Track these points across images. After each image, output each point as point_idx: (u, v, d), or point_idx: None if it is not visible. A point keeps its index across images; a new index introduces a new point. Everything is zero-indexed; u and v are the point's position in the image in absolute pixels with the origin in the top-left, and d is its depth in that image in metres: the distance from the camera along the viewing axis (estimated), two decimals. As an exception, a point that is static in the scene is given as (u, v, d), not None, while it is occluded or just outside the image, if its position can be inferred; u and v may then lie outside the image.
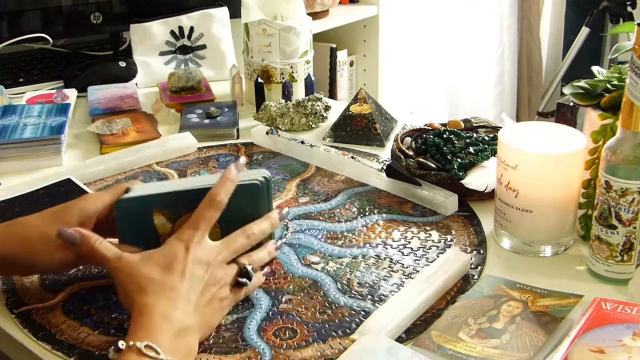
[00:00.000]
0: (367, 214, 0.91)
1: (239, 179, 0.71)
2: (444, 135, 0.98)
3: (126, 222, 0.71)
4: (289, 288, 0.76)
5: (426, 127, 1.04)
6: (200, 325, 0.65)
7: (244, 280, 0.70)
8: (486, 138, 0.97)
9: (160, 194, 0.71)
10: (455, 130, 1.00)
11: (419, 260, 0.80)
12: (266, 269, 0.75)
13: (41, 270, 0.76)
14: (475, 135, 0.99)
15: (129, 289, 0.65)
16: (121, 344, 0.59)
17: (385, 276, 0.77)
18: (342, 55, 2.16)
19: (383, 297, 0.74)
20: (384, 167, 0.96)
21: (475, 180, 0.90)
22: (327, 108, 1.20)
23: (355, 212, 0.91)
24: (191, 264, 0.66)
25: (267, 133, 1.11)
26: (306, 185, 0.99)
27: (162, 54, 1.46)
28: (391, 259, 0.81)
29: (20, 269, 0.74)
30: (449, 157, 0.93)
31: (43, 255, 0.70)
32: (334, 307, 0.72)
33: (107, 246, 0.68)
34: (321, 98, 1.21)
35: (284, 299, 0.74)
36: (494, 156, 0.91)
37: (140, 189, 0.73)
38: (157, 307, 0.62)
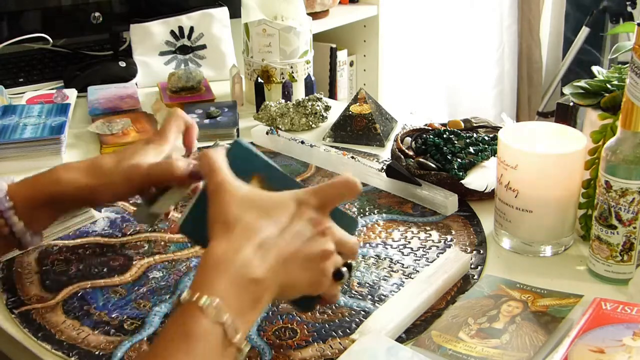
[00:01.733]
0: (367, 214, 0.91)
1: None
2: (444, 135, 0.98)
3: (230, 163, 0.64)
4: (289, 288, 0.76)
5: (426, 127, 1.04)
6: (280, 281, 0.59)
7: (345, 269, 0.62)
8: (486, 138, 0.97)
9: (271, 164, 0.67)
10: (455, 130, 1.00)
11: (419, 260, 0.80)
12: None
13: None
14: (475, 135, 0.99)
15: (215, 219, 0.60)
16: (182, 297, 0.55)
17: (385, 276, 0.77)
18: (342, 55, 2.16)
19: (383, 297, 0.74)
20: (384, 167, 0.96)
21: (475, 180, 0.90)
22: (327, 108, 1.20)
23: (355, 212, 0.91)
24: (297, 219, 0.60)
25: (267, 133, 1.11)
26: (306, 185, 0.99)
27: (162, 54, 1.46)
28: (391, 259, 0.81)
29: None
30: (449, 157, 0.93)
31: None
32: (334, 307, 0.72)
33: (221, 162, 0.63)
34: (321, 98, 1.21)
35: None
36: (494, 156, 0.91)
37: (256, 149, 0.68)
38: (228, 252, 0.57)
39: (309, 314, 0.71)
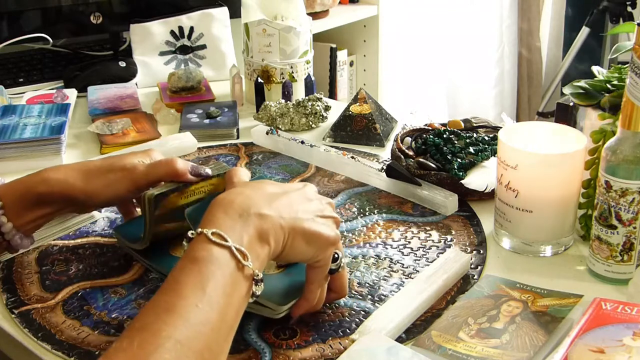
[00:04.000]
0: (367, 214, 0.91)
1: None
2: (444, 135, 0.98)
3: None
4: (289, 288, 0.76)
5: (426, 127, 1.04)
6: (289, 220, 0.62)
7: (337, 262, 0.67)
8: (486, 138, 0.97)
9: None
10: (455, 130, 1.00)
11: (419, 260, 0.80)
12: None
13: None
14: (475, 135, 0.99)
15: (217, 200, 0.64)
16: (191, 233, 0.58)
17: (385, 276, 0.77)
18: (342, 55, 2.16)
19: (383, 297, 0.74)
20: (384, 167, 0.96)
21: (475, 180, 0.90)
22: (327, 108, 1.20)
23: (355, 212, 0.91)
24: (302, 188, 0.67)
25: (267, 133, 1.11)
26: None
27: (162, 54, 1.46)
28: (391, 259, 0.81)
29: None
30: (449, 157, 0.93)
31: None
32: (334, 307, 0.72)
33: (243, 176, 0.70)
34: (321, 98, 1.21)
35: (284, 299, 0.74)
36: (494, 156, 0.91)
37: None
38: (231, 194, 0.62)
39: (309, 313, 0.71)
